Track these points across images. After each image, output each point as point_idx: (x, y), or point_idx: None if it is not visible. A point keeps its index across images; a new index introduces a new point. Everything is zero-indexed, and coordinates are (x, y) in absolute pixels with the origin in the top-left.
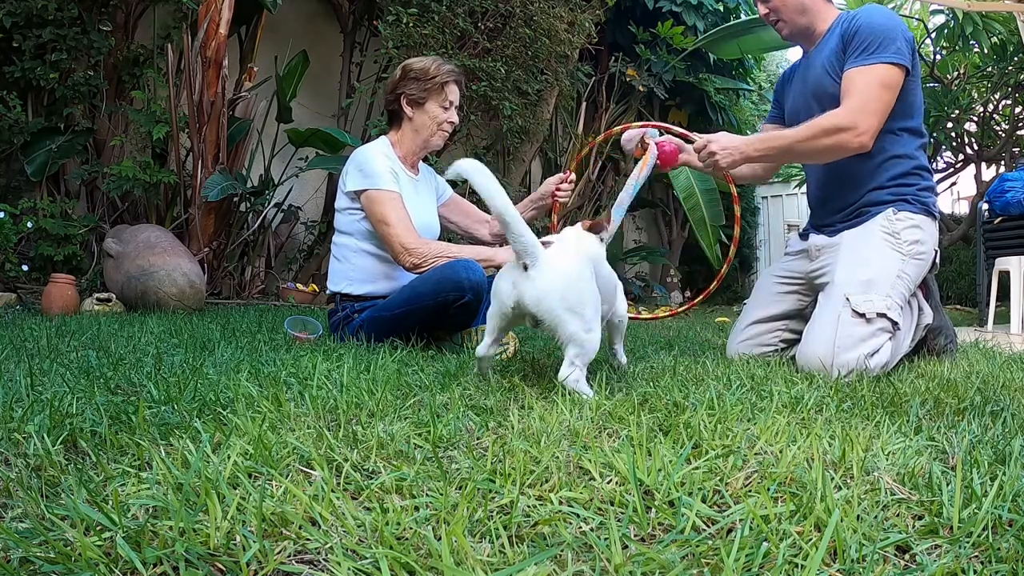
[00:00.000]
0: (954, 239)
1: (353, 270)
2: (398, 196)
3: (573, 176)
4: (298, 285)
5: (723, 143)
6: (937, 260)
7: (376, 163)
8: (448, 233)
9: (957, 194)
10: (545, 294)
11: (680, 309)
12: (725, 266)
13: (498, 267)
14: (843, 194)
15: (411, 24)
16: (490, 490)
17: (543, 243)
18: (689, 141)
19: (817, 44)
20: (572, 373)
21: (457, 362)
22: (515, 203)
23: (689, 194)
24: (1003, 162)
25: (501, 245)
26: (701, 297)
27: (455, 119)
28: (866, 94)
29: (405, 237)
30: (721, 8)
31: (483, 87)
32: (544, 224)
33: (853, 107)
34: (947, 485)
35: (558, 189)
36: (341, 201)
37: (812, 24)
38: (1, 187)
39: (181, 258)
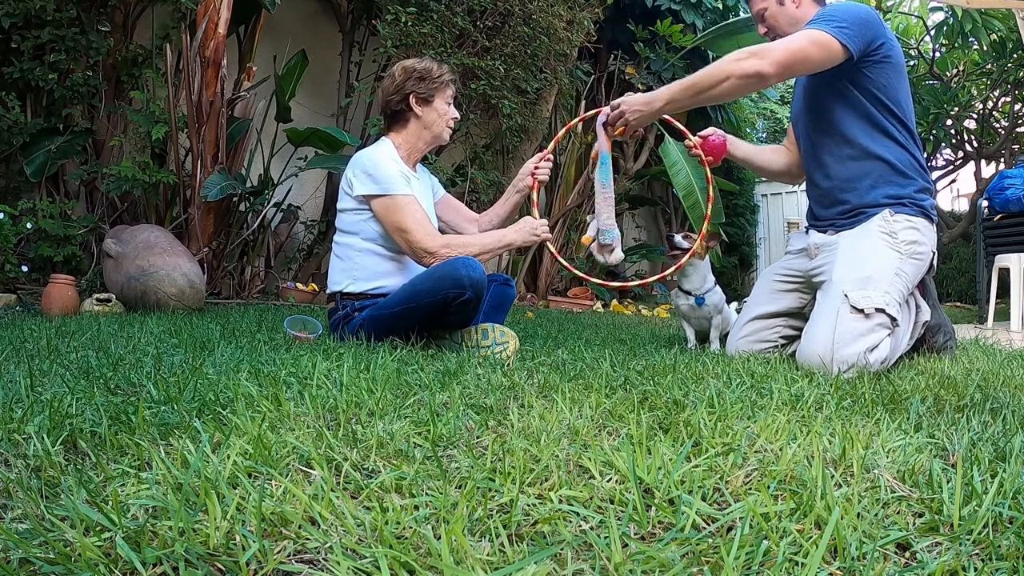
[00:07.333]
0: (954, 236)
1: (357, 268)
2: (413, 198)
3: (551, 156)
4: (298, 284)
5: (630, 102)
6: (934, 263)
7: (386, 168)
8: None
9: (957, 191)
10: None
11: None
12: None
13: (516, 249)
14: (840, 192)
15: (410, 23)
16: (490, 489)
17: None
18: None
19: None
20: None
21: (457, 361)
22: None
23: (689, 192)
24: (1003, 159)
25: None
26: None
27: (457, 114)
28: (791, 39)
29: (425, 242)
30: (720, 6)
31: (482, 86)
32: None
33: (773, 43)
34: (947, 482)
35: (536, 168)
36: (345, 202)
37: None
38: (0, 188)
39: (181, 258)
